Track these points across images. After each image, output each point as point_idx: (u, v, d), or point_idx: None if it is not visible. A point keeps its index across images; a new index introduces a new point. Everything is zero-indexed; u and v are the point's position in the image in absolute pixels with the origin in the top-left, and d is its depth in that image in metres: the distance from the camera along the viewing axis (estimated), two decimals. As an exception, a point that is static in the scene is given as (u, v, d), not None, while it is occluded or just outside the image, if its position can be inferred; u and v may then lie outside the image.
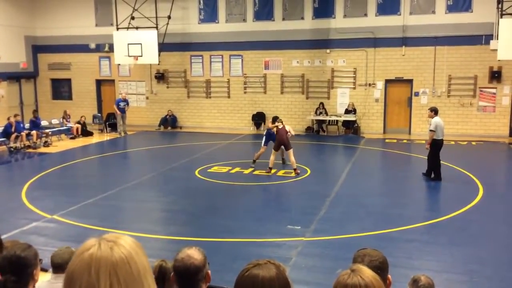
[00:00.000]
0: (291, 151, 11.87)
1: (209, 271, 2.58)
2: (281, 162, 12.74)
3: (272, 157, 12.00)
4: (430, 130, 11.08)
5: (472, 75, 17.49)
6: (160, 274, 2.86)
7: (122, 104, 19.11)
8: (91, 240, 1.23)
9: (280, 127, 12.05)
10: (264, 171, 12.05)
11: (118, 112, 19.15)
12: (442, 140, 11.13)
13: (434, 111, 11.25)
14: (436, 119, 11.05)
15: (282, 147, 12.13)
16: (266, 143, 12.64)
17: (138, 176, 11.86)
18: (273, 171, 12.05)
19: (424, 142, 11.80)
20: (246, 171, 12.26)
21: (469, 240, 7.45)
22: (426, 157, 11.43)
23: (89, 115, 20.69)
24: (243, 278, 1.74)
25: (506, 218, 8.74)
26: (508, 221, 8.54)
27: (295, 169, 11.85)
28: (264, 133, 13.08)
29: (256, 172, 12.14)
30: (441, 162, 11.23)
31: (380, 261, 2.60)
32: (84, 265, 1.17)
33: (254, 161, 12.58)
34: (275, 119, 12.45)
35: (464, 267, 6.42)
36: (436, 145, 11.03)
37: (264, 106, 19.86)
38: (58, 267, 3.38)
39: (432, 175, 11.26)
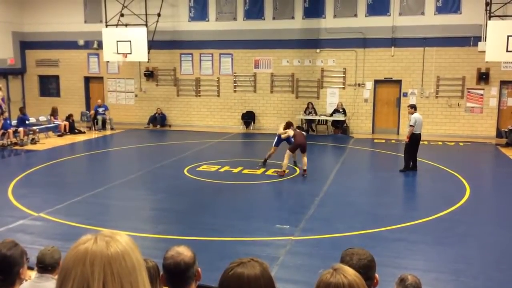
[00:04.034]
0: (305, 154, 11.62)
1: (199, 269, 2.58)
2: (292, 164, 12.39)
3: (286, 160, 11.52)
4: (410, 125, 11.82)
5: (460, 76, 17.65)
6: None
7: (100, 110, 19.68)
8: (87, 235, 1.25)
9: (291, 134, 11.84)
10: (256, 169, 12.03)
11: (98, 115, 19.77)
12: (419, 134, 11.89)
13: (414, 108, 12.07)
14: (416, 115, 11.83)
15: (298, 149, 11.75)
16: (277, 144, 12.30)
17: (127, 174, 11.78)
18: (263, 169, 12.03)
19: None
20: (235, 170, 12.25)
21: (456, 239, 7.51)
22: (403, 155, 12.15)
23: (77, 112, 20.53)
24: (228, 277, 1.73)
25: (493, 218, 8.82)
26: (495, 221, 8.62)
27: (305, 170, 11.57)
28: (277, 134, 12.54)
29: (246, 171, 12.14)
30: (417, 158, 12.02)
31: (368, 259, 2.62)
32: (79, 257, 1.19)
33: (265, 161, 12.42)
34: (289, 124, 12.17)
35: (451, 267, 6.47)
36: (414, 139, 11.76)
37: (254, 105, 19.86)
38: (45, 267, 3.27)
39: (411, 165, 11.94)
